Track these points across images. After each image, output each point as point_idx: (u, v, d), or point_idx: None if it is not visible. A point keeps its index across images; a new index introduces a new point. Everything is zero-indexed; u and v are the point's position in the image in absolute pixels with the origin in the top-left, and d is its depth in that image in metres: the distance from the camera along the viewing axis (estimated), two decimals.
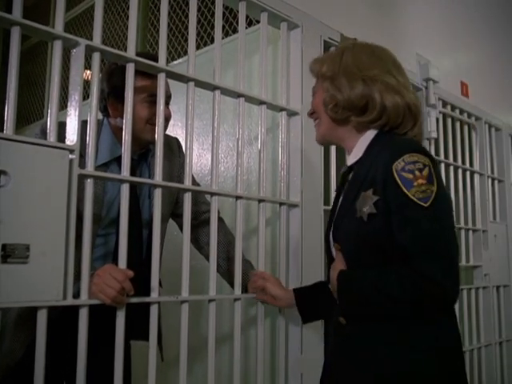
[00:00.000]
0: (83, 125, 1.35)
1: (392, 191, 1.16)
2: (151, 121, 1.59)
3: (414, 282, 1.12)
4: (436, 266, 1.11)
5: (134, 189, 1.63)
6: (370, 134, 1.31)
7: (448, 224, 1.19)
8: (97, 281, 1.30)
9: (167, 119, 1.63)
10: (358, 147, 1.32)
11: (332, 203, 1.44)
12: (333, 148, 2.08)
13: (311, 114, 1.42)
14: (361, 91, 1.27)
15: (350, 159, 1.34)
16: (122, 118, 1.44)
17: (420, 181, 1.14)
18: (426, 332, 1.17)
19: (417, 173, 1.15)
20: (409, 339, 1.17)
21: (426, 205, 1.13)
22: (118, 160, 1.51)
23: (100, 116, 1.60)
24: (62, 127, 1.31)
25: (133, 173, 1.47)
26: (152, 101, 1.57)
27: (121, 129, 1.44)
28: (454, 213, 2.78)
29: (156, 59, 1.51)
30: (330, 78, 1.32)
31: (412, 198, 1.13)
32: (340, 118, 1.32)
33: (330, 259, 1.37)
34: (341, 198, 1.36)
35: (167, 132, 1.72)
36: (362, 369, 1.20)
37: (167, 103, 1.65)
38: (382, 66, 1.33)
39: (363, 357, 1.20)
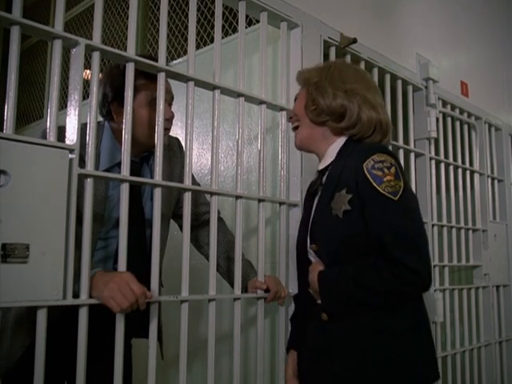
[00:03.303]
0: (83, 127, 1.34)
1: (364, 187, 1.27)
2: (154, 125, 1.57)
3: (391, 272, 1.22)
4: (410, 255, 1.22)
5: (137, 191, 1.63)
6: (340, 142, 1.43)
7: (416, 216, 1.30)
8: (112, 287, 1.29)
9: (170, 120, 1.63)
10: (329, 153, 1.44)
11: (302, 210, 1.56)
12: None
13: (291, 118, 1.53)
14: (341, 101, 1.39)
15: (321, 164, 1.46)
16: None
17: (388, 177, 1.26)
18: (404, 315, 1.29)
19: (385, 170, 1.27)
20: (390, 326, 1.27)
21: (395, 198, 1.25)
22: (119, 165, 1.50)
23: (99, 118, 1.60)
24: (61, 132, 1.30)
25: (134, 175, 1.46)
26: (155, 104, 1.55)
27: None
28: (454, 212, 2.80)
29: (156, 60, 1.51)
30: (316, 84, 1.43)
31: (383, 192, 1.25)
32: (318, 120, 1.43)
33: (304, 264, 1.44)
34: (315, 202, 1.44)
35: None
36: (347, 361, 1.27)
37: (170, 104, 1.64)
38: (364, 83, 1.44)
39: (347, 349, 1.28)
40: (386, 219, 1.24)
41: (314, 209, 1.43)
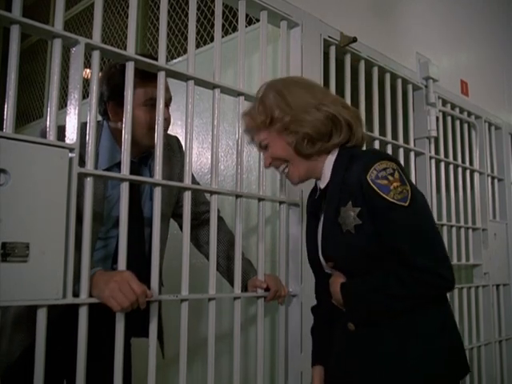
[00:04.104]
0: (83, 127, 1.34)
1: (372, 199, 1.24)
2: (152, 126, 1.57)
3: (413, 278, 1.21)
4: (430, 258, 1.22)
5: (136, 191, 1.63)
6: (333, 154, 1.37)
7: (428, 215, 1.31)
8: (112, 286, 1.29)
9: (167, 122, 1.62)
10: (326, 170, 1.37)
11: (306, 227, 1.51)
12: None
13: (269, 164, 1.41)
14: (323, 116, 1.32)
15: (322, 183, 1.39)
16: (123, 122, 1.44)
17: (395, 184, 1.24)
18: (430, 316, 1.28)
19: (390, 177, 1.24)
20: (422, 328, 1.27)
21: (405, 204, 1.23)
22: (118, 165, 1.50)
23: (99, 117, 1.59)
24: (61, 131, 1.30)
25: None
26: (152, 104, 1.55)
27: (121, 132, 1.43)
28: (454, 211, 2.80)
29: (155, 59, 1.51)
30: (290, 119, 1.32)
31: (392, 200, 1.22)
32: (314, 150, 1.35)
33: (322, 275, 1.43)
34: (321, 220, 1.40)
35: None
36: (378, 367, 1.27)
37: (167, 106, 1.64)
38: (316, 91, 1.38)
39: (377, 356, 1.27)
40: (400, 228, 1.23)
41: (320, 227, 1.39)
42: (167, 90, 1.60)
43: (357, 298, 1.29)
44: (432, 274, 1.21)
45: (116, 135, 1.61)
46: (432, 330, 1.28)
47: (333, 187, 1.34)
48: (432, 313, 1.29)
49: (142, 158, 1.68)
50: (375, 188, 1.23)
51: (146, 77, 1.53)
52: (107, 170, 1.56)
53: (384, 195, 1.22)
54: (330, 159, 1.37)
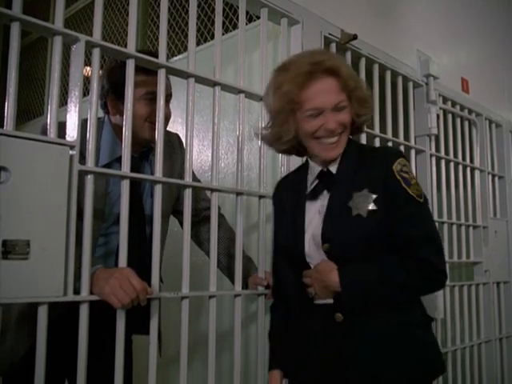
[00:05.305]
0: (84, 123, 1.34)
1: (395, 189, 1.30)
2: (150, 119, 1.57)
3: (419, 268, 1.27)
4: (433, 253, 1.29)
5: (137, 187, 1.63)
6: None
7: (432, 216, 1.43)
8: (113, 283, 1.29)
9: (167, 118, 1.62)
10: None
11: (277, 212, 1.51)
12: None
13: (339, 132, 1.35)
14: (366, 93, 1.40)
15: (332, 166, 1.39)
16: (121, 115, 1.44)
17: (413, 180, 1.33)
18: (418, 310, 1.37)
19: (410, 174, 1.34)
20: (411, 319, 1.33)
21: (421, 200, 1.31)
22: (119, 160, 1.50)
23: (101, 113, 1.60)
24: (61, 128, 1.30)
25: (134, 172, 1.46)
26: (151, 98, 1.55)
27: (121, 127, 1.44)
28: (455, 209, 2.80)
29: (156, 56, 1.51)
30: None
31: (412, 194, 1.30)
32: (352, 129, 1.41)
33: (297, 267, 1.38)
34: (315, 203, 1.39)
35: (167, 129, 1.71)
36: (374, 352, 1.27)
37: (168, 101, 1.64)
38: None
39: (376, 344, 1.28)
40: (414, 220, 1.30)
41: (326, 208, 1.35)
42: (168, 87, 1.60)
43: (356, 284, 1.29)
44: (436, 270, 1.28)
45: (117, 130, 1.61)
46: (419, 321, 1.35)
47: (346, 171, 1.37)
48: (418, 306, 1.38)
49: (142, 153, 1.68)
50: (400, 179, 1.30)
51: (145, 70, 1.54)
52: (108, 164, 1.57)
53: (406, 188, 1.29)
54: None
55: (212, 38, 2.52)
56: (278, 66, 1.40)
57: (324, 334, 1.32)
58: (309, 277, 1.34)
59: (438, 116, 2.62)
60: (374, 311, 1.29)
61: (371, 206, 1.29)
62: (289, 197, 1.48)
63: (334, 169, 1.39)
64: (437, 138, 2.70)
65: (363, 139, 2.12)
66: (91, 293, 1.32)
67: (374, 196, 1.30)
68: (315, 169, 1.42)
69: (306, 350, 1.36)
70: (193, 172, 1.62)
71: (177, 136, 1.84)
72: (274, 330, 1.52)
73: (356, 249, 1.30)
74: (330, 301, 1.31)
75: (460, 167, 2.91)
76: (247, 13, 1.94)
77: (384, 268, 1.28)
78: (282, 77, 1.33)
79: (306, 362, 1.35)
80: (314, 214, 1.38)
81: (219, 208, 1.69)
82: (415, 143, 2.58)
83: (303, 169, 1.49)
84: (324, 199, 1.38)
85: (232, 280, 1.73)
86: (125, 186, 1.41)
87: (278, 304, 1.52)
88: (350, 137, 1.42)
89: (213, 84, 1.67)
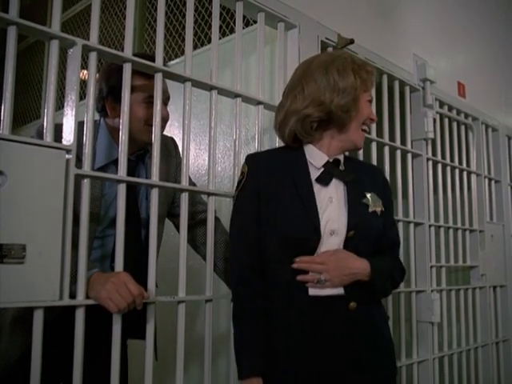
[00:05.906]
0: (80, 126, 1.34)
1: (389, 198, 1.52)
2: (149, 122, 1.58)
3: (402, 268, 1.52)
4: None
5: (132, 190, 1.63)
6: None
7: None
8: (109, 287, 1.29)
9: (165, 120, 1.63)
10: None
11: (304, 187, 1.37)
12: None
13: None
14: None
15: (338, 156, 1.47)
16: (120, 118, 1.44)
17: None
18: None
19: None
20: (385, 313, 1.49)
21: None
22: (115, 162, 1.50)
23: (97, 116, 1.60)
24: (57, 130, 1.30)
25: (130, 174, 1.47)
26: (150, 101, 1.55)
27: (118, 130, 1.44)
28: (451, 213, 2.80)
29: (153, 59, 1.51)
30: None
31: (392, 200, 1.56)
32: None
33: (301, 253, 1.33)
34: (336, 189, 1.41)
35: (164, 132, 1.71)
36: (381, 341, 1.41)
37: (166, 104, 1.64)
38: None
39: (378, 330, 1.41)
40: (394, 227, 1.55)
41: (346, 197, 1.40)
42: (165, 89, 1.60)
43: (384, 275, 1.40)
44: (403, 269, 1.54)
45: (113, 132, 1.61)
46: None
47: (351, 167, 1.48)
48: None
49: (138, 156, 1.68)
50: (389, 188, 1.55)
51: (144, 74, 1.54)
52: (104, 166, 1.57)
53: (391, 197, 1.55)
54: None
55: (209, 41, 2.52)
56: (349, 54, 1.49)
57: (341, 322, 1.31)
58: (322, 263, 1.30)
59: (434, 120, 2.62)
60: (375, 304, 1.43)
61: (382, 207, 1.44)
62: (282, 176, 1.38)
63: (337, 160, 1.46)
64: (433, 142, 2.70)
65: None
66: (87, 297, 1.31)
67: (381, 200, 1.45)
68: (321, 156, 1.42)
69: (323, 344, 1.30)
70: (189, 176, 1.62)
71: (172, 139, 1.84)
72: (252, 316, 1.32)
73: (373, 242, 1.41)
74: (336, 291, 1.32)
75: (456, 171, 2.92)
76: (244, 17, 1.95)
77: (393, 263, 1.47)
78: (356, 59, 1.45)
79: (321, 357, 1.29)
80: (326, 202, 1.37)
81: (215, 211, 1.69)
82: (412, 147, 2.58)
83: (291, 151, 1.44)
84: (333, 188, 1.40)
85: (228, 284, 1.73)
86: (121, 189, 1.40)
87: (250, 286, 1.35)
88: None
89: (209, 88, 1.67)
